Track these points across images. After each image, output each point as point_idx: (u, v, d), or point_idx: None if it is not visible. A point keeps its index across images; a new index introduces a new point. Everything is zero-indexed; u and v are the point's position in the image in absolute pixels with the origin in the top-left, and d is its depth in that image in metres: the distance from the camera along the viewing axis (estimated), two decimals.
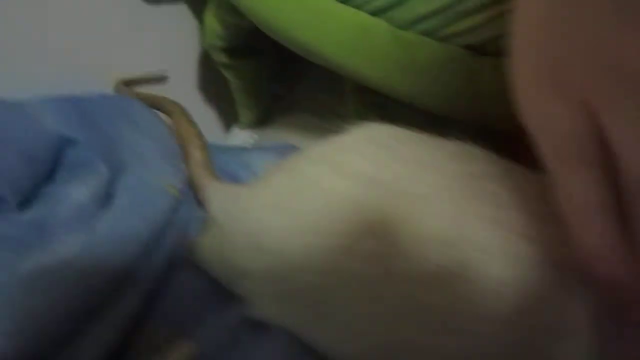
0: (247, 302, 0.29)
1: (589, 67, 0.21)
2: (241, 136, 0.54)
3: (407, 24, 0.37)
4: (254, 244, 0.28)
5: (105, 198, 0.36)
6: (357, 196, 0.26)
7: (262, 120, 0.55)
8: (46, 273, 0.24)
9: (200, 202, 0.35)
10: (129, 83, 0.46)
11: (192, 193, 0.35)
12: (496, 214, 0.25)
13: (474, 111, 0.38)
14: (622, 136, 0.20)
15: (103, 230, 0.28)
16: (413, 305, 0.24)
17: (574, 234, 0.22)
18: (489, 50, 0.36)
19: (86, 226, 0.33)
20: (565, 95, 0.22)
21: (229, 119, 0.58)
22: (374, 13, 0.38)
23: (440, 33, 0.37)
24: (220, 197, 0.32)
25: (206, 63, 0.56)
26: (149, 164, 0.34)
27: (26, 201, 0.35)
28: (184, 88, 0.56)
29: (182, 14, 0.54)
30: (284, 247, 0.27)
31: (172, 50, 0.54)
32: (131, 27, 0.50)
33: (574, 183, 0.22)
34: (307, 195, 0.28)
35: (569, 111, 0.21)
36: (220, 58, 0.49)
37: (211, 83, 0.57)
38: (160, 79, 0.45)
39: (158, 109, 0.43)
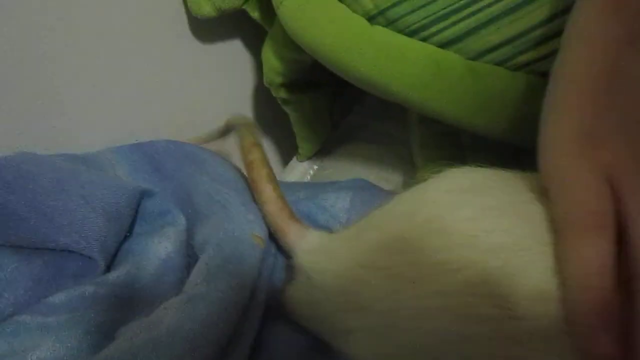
0: (347, 358, 0.28)
1: (622, 148, 0.22)
2: (300, 168, 0.54)
3: (478, 54, 0.37)
4: (353, 303, 0.27)
5: (187, 248, 0.36)
6: (454, 255, 0.26)
7: (321, 150, 0.55)
8: (159, 345, 0.24)
9: (281, 247, 0.35)
10: (201, 141, 0.46)
11: (274, 241, 0.35)
12: None
13: None
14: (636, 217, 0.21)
15: (202, 295, 0.28)
16: None
17: (579, 305, 0.22)
18: None
19: (177, 281, 0.34)
20: (594, 168, 0.22)
21: (286, 152, 0.58)
22: (443, 45, 0.37)
23: (513, 62, 0.36)
24: (309, 247, 0.31)
25: (261, 98, 0.56)
26: (231, 214, 0.34)
27: (112, 258, 0.35)
28: None
29: (237, 52, 0.54)
30: (387, 307, 0.26)
31: (227, 88, 0.55)
32: (188, 67, 0.51)
33: (591, 250, 0.22)
34: (403, 255, 0.27)
35: (595, 182, 0.22)
36: (280, 94, 0.49)
37: (266, 118, 0.57)
38: (227, 131, 0.45)
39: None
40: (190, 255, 0.36)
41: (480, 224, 0.25)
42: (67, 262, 0.33)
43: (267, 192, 0.36)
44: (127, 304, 0.32)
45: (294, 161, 0.55)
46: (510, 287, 0.23)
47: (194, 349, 0.25)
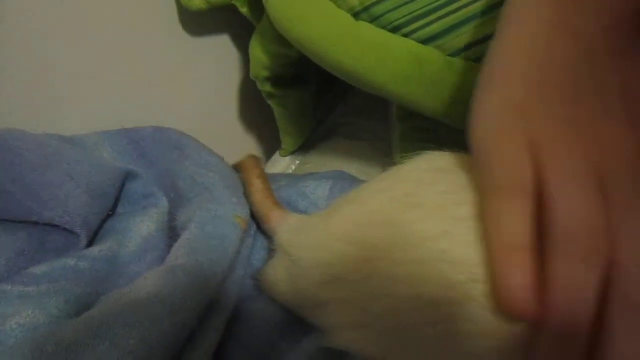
0: (323, 331, 0.29)
1: (546, 121, 0.24)
2: (282, 163, 0.55)
3: (456, 51, 0.38)
4: (330, 275, 0.28)
5: (169, 230, 0.37)
6: (425, 225, 0.27)
7: (303, 146, 0.56)
8: (139, 308, 0.25)
9: (263, 232, 0.36)
10: None
11: (255, 222, 0.36)
12: None
13: None
14: (558, 183, 0.22)
15: (182, 265, 0.28)
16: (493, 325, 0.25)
17: (496, 265, 0.23)
18: None
19: (157, 259, 0.34)
20: (518, 138, 0.24)
21: (269, 146, 0.59)
22: (423, 41, 0.39)
23: None
24: (288, 227, 0.32)
25: (246, 93, 0.57)
26: (215, 196, 0.34)
27: (93, 235, 0.36)
28: (224, 118, 0.57)
29: (223, 46, 0.55)
30: (362, 277, 0.27)
31: (212, 82, 0.56)
32: (174, 60, 0.52)
33: (507, 214, 0.23)
34: (378, 227, 0.28)
35: (518, 152, 0.23)
36: (265, 87, 0.50)
37: (251, 112, 0.58)
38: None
39: None
40: (171, 237, 0.37)
41: (451, 197, 0.26)
42: (50, 236, 0.33)
43: (256, 184, 0.38)
44: (107, 278, 0.33)
45: (276, 156, 0.56)
46: (475, 253, 0.25)
47: (173, 312, 0.26)
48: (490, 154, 0.24)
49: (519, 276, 0.22)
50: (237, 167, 0.41)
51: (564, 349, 0.22)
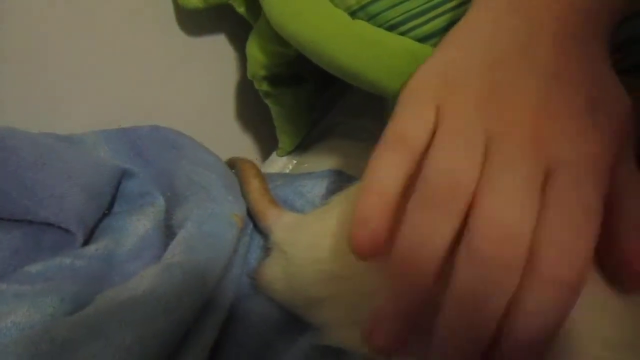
0: (318, 329, 0.29)
1: (461, 85, 0.24)
2: (279, 163, 0.55)
3: None
4: (325, 273, 0.28)
5: (166, 229, 0.37)
6: None
7: (300, 146, 0.56)
8: (135, 306, 0.25)
9: (260, 230, 0.36)
10: None
11: (251, 221, 0.36)
12: None
13: None
14: (440, 139, 0.23)
15: (179, 263, 0.28)
16: None
17: (358, 205, 0.23)
18: None
19: (154, 257, 0.34)
20: (430, 100, 0.24)
21: (265, 146, 0.59)
22: (420, 40, 0.39)
23: None
24: (284, 226, 0.32)
25: (243, 93, 0.57)
26: (212, 195, 0.34)
27: (90, 234, 0.36)
28: (221, 118, 0.57)
29: (220, 45, 0.55)
30: (357, 274, 0.27)
31: (209, 81, 0.56)
32: (171, 59, 0.52)
33: (382, 163, 0.24)
34: None
35: (424, 112, 0.24)
36: (262, 86, 0.50)
37: (247, 112, 0.58)
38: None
39: None
40: (168, 235, 0.37)
41: None
42: (46, 235, 0.33)
43: (254, 183, 0.38)
44: (104, 277, 0.33)
45: (273, 155, 0.56)
46: None
47: (168, 310, 0.26)
48: (399, 109, 0.25)
49: (371, 219, 0.22)
50: (232, 164, 0.41)
51: (408, 295, 0.22)
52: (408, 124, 0.24)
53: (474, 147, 0.22)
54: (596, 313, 0.22)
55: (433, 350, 0.22)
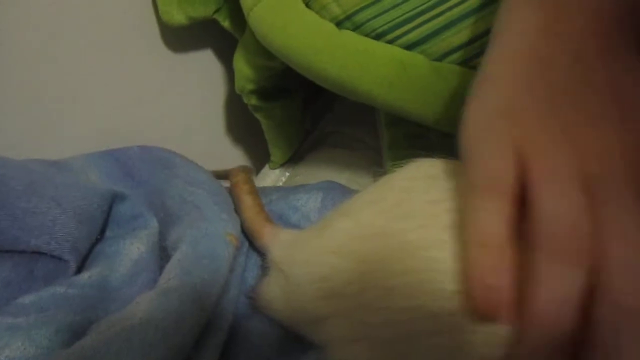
0: (320, 346, 0.29)
1: (533, 123, 0.23)
2: (272, 176, 0.55)
3: (441, 56, 0.38)
4: (325, 290, 0.28)
5: (160, 250, 0.36)
6: (418, 235, 0.26)
7: (293, 157, 0.55)
8: (132, 335, 0.24)
9: (256, 249, 0.35)
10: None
11: (247, 239, 0.36)
12: None
13: None
14: (541, 183, 0.22)
15: (175, 287, 0.28)
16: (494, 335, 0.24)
17: (470, 263, 0.22)
18: None
19: (149, 281, 0.34)
20: (505, 139, 0.23)
21: (257, 159, 0.58)
22: (407, 47, 0.39)
23: (474, 62, 0.38)
24: (281, 244, 0.32)
25: (233, 107, 0.57)
26: (205, 214, 0.34)
27: (83, 260, 0.35)
28: (211, 133, 0.57)
29: (206, 61, 0.55)
30: (358, 290, 0.27)
31: (197, 97, 0.55)
32: (157, 77, 0.52)
33: (482, 213, 0.23)
34: (371, 239, 0.28)
35: (503, 152, 0.23)
36: (251, 101, 0.49)
37: (238, 126, 0.58)
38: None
39: None
40: (162, 257, 0.36)
41: (444, 205, 0.26)
42: (38, 264, 0.33)
43: (247, 201, 0.37)
44: (99, 304, 0.32)
45: (266, 169, 0.56)
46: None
47: (167, 337, 0.25)
48: (475, 155, 0.24)
49: (491, 276, 0.21)
50: (224, 176, 0.40)
51: (547, 355, 0.21)
52: (493, 169, 0.23)
53: (578, 187, 0.22)
54: None
55: None
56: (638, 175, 0.22)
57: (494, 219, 0.22)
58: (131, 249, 0.35)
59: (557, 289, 0.21)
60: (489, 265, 0.22)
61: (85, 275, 0.33)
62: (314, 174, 0.53)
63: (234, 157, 0.58)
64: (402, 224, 0.27)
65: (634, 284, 0.20)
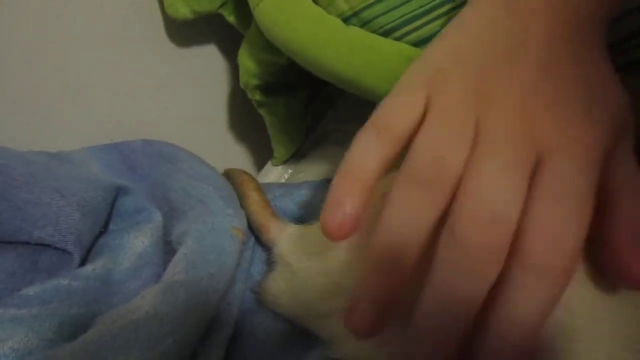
0: (326, 342, 0.28)
1: (458, 79, 0.24)
2: (275, 173, 0.55)
3: None
4: (333, 284, 0.28)
5: (164, 244, 0.36)
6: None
7: (295, 154, 0.55)
8: (139, 328, 0.24)
9: (262, 243, 0.35)
10: None
11: (252, 234, 0.35)
12: None
13: None
14: (429, 122, 0.23)
15: (181, 281, 0.28)
16: None
17: (331, 187, 0.23)
18: None
19: (153, 275, 0.33)
20: (420, 88, 0.24)
21: (260, 156, 0.58)
22: (415, 44, 0.38)
23: None
24: (288, 238, 0.32)
25: (236, 103, 0.56)
26: (210, 208, 0.34)
27: (86, 253, 0.35)
28: (213, 129, 0.57)
29: (210, 56, 0.55)
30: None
31: (200, 92, 0.55)
32: (161, 71, 0.51)
33: (362, 147, 0.24)
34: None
35: (413, 99, 0.24)
36: (255, 96, 0.49)
37: (240, 122, 0.57)
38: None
39: None
40: (166, 251, 0.36)
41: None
42: (41, 256, 0.32)
43: (253, 196, 0.37)
44: (102, 298, 0.32)
45: (268, 165, 0.56)
46: None
47: (174, 331, 0.25)
48: (385, 99, 0.25)
49: (346, 200, 0.22)
50: (227, 176, 0.40)
51: (388, 277, 0.22)
52: (394, 112, 0.24)
53: (462, 132, 0.22)
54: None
55: (410, 338, 0.21)
56: (530, 131, 0.21)
57: (369, 155, 0.23)
58: (135, 243, 0.35)
59: (404, 214, 0.21)
60: (348, 191, 0.22)
61: (89, 268, 0.33)
62: (317, 171, 0.53)
63: (236, 153, 0.58)
64: None
65: (479, 218, 0.20)
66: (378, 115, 0.24)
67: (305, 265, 0.29)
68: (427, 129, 0.22)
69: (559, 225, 0.20)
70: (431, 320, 0.20)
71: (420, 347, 0.21)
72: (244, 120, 0.57)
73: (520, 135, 0.21)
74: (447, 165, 0.21)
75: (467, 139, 0.22)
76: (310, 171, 0.53)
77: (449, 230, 0.20)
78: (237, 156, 0.57)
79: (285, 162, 0.55)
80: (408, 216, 0.21)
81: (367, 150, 0.23)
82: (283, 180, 0.54)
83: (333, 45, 0.39)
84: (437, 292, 0.20)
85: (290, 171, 0.55)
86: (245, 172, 0.41)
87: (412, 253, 0.21)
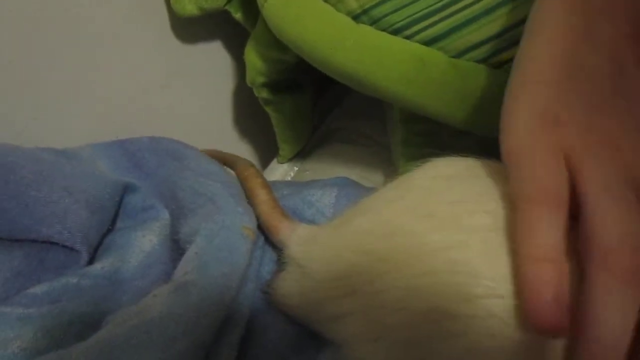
0: (337, 344, 0.28)
1: (581, 128, 0.23)
2: (280, 170, 0.54)
3: (460, 52, 0.38)
4: (345, 288, 0.27)
5: (172, 243, 0.36)
6: (438, 236, 0.26)
7: (301, 152, 0.55)
8: (152, 328, 0.24)
9: (270, 243, 0.34)
10: None
11: (262, 234, 0.35)
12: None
13: None
14: (594, 193, 0.22)
15: (193, 281, 0.27)
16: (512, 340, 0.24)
17: (524, 278, 0.22)
18: None
19: (162, 274, 0.33)
20: (552, 146, 0.23)
21: (265, 153, 0.58)
22: (426, 43, 0.38)
23: (494, 59, 0.37)
24: (299, 239, 0.31)
25: (241, 100, 0.56)
26: (220, 206, 0.33)
27: (94, 251, 0.34)
28: (219, 126, 0.56)
29: (216, 53, 0.54)
30: (376, 289, 0.26)
31: (206, 90, 0.55)
32: (167, 68, 0.51)
33: (539, 225, 0.22)
34: (391, 238, 0.27)
35: (552, 160, 0.23)
36: (262, 94, 0.49)
37: (245, 120, 0.57)
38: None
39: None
40: (175, 250, 0.36)
41: (464, 206, 0.26)
42: (49, 254, 0.32)
43: (261, 195, 0.37)
44: (111, 296, 0.32)
45: (274, 163, 0.55)
46: (491, 265, 0.24)
47: (188, 332, 0.24)
48: (523, 162, 0.23)
49: (550, 290, 0.21)
50: (230, 164, 0.39)
51: None
52: (546, 177, 0.22)
53: (631, 197, 0.21)
54: None
55: None
56: None
57: (550, 231, 0.21)
58: (143, 241, 0.34)
59: (614, 311, 0.20)
60: (547, 280, 0.21)
61: (97, 266, 0.32)
62: (323, 169, 0.53)
63: (241, 150, 0.57)
64: (422, 224, 0.27)
65: None
66: (531, 185, 0.23)
67: (317, 268, 0.29)
68: (598, 204, 0.21)
69: None
70: None
71: None
72: (250, 117, 0.57)
73: None
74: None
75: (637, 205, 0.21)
76: (317, 169, 0.53)
77: None
78: (243, 153, 0.57)
79: (290, 160, 0.55)
80: (619, 319, 0.20)
81: (545, 226, 0.22)
82: (289, 178, 0.54)
83: (343, 44, 0.38)
84: None
85: (296, 169, 0.54)
86: (251, 165, 0.40)
87: (623, 352, 0.20)
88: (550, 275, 0.21)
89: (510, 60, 0.37)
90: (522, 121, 0.24)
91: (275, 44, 0.44)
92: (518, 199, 0.23)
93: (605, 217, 0.21)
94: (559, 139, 0.23)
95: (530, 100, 0.24)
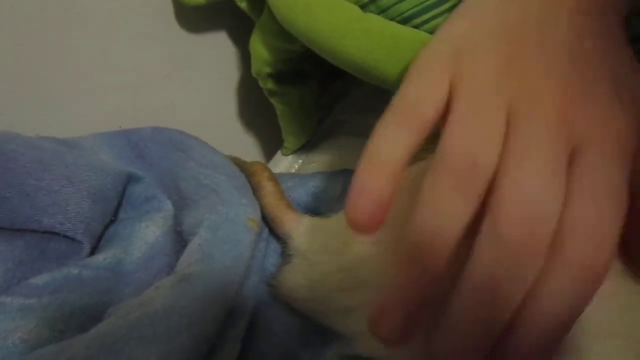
0: (344, 337, 0.28)
1: (483, 52, 0.22)
2: (285, 162, 0.54)
3: None
4: (353, 279, 0.27)
5: (175, 234, 0.35)
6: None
7: (306, 144, 0.54)
8: (156, 321, 0.23)
9: (275, 235, 0.34)
10: None
11: (267, 226, 0.34)
12: None
13: None
14: (461, 110, 0.21)
15: (197, 273, 0.27)
16: None
17: (356, 174, 0.22)
18: None
19: (164, 265, 0.33)
20: (445, 67, 0.22)
21: (269, 145, 0.57)
22: (434, 32, 0.37)
23: None
24: (305, 231, 0.31)
25: (246, 92, 0.55)
26: (224, 198, 0.33)
27: (96, 242, 0.34)
28: (223, 117, 0.56)
29: (222, 43, 0.54)
30: (387, 280, 0.26)
31: (211, 80, 0.54)
32: (171, 58, 0.50)
33: (391, 139, 0.22)
34: (401, 230, 0.27)
35: (437, 80, 0.22)
36: (267, 84, 0.48)
37: (250, 111, 0.56)
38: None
39: None
40: (178, 242, 0.35)
41: None
42: (50, 244, 0.32)
43: (268, 187, 0.36)
44: (113, 288, 0.31)
45: (278, 155, 0.55)
46: None
47: (191, 325, 0.24)
48: (407, 78, 0.23)
49: (373, 188, 0.21)
50: (237, 165, 0.39)
51: (421, 280, 0.20)
52: (419, 94, 0.22)
53: (495, 124, 0.21)
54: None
55: (439, 341, 0.20)
56: (565, 122, 0.20)
57: (397, 143, 0.21)
58: (146, 232, 0.34)
59: (438, 213, 0.20)
60: (375, 179, 0.21)
61: (100, 257, 0.32)
62: (328, 161, 0.52)
63: (245, 141, 0.57)
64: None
65: (521, 216, 0.19)
66: (400, 100, 0.23)
67: (324, 259, 0.28)
68: (456, 121, 0.21)
69: (598, 222, 0.19)
70: (466, 316, 0.19)
71: (451, 345, 0.20)
72: (254, 108, 0.56)
73: (556, 126, 0.20)
74: (481, 162, 0.20)
75: (500, 129, 0.20)
76: (322, 161, 0.52)
77: (489, 229, 0.19)
78: (247, 145, 0.56)
79: (295, 152, 0.54)
80: (443, 217, 0.20)
81: (393, 137, 0.22)
82: (293, 171, 0.53)
83: (351, 34, 0.38)
84: (475, 290, 0.19)
85: (300, 161, 0.54)
86: (257, 162, 0.40)
87: (445, 253, 0.20)
88: (376, 178, 0.21)
89: None
90: (430, 47, 0.24)
91: (281, 33, 0.43)
92: (388, 110, 0.23)
93: (458, 128, 0.21)
94: (451, 65, 0.22)
95: (444, 32, 0.24)
